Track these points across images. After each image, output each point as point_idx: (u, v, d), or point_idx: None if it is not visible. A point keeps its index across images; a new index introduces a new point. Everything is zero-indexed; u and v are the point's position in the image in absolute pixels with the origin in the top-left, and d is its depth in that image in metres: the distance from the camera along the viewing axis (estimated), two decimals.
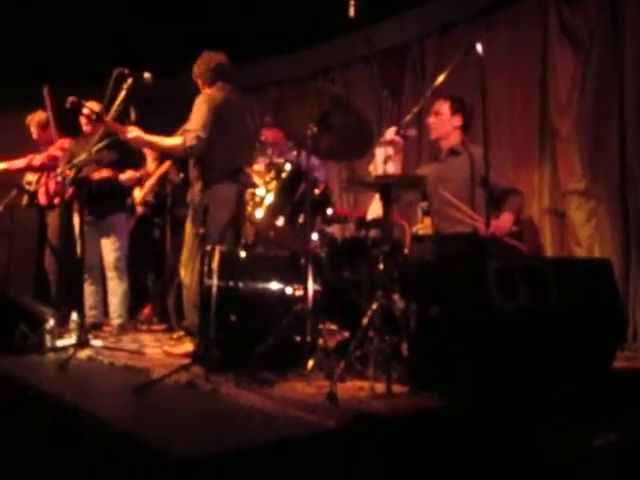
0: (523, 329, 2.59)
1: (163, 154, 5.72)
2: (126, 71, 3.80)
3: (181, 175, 4.25)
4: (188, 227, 4.04)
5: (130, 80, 3.82)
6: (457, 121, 4.17)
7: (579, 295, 2.79)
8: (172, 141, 3.99)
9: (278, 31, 6.00)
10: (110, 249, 5.08)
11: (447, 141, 4.19)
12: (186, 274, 3.98)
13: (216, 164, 3.89)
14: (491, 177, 3.61)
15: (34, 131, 5.61)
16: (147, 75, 3.84)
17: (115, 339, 4.59)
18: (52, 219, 5.41)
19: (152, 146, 4.22)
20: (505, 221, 3.93)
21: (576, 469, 2.52)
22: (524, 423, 2.49)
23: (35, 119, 5.59)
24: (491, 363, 2.55)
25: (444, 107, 4.17)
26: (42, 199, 5.45)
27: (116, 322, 5.01)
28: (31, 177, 5.58)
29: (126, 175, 5.02)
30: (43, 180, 5.48)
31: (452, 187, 4.05)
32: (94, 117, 4.15)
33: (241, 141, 4.09)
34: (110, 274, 5.09)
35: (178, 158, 4.39)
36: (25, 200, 5.58)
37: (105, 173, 4.90)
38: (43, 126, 5.57)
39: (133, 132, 3.96)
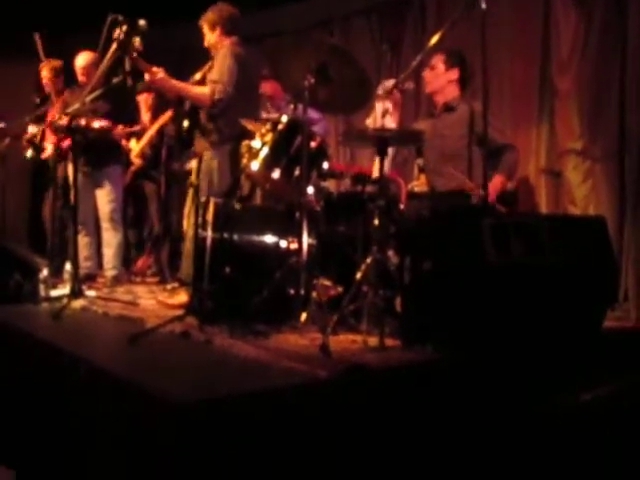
0: (516, 284, 2.61)
1: (158, 106, 5.65)
2: (120, 18, 3.72)
3: (185, 124, 4.17)
4: (193, 179, 4.01)
5: (124, 27, 3.75)
6: (453, 75, 4.09)
7: (573, 252, 2.80)
8: (199, 90, 4.04)
9: None
10: (105, 200, 5.05)
11: (442, 95, 4.12)
12: (188, 225, 3.97)
13: (234, 121, 3.86)
14: (488, 132, 3.58)
15: (46, 76, 5.45)
16: (142, 22, 3.77)
17: (109, 290, 4.60)
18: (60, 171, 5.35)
19: (177, 92, 4.12)
20: (495, 185, 3.90)
21: (565, 422, 2.56)
22: (515, 377, 2.52)
23: (51, 65, 5.45)
24: (484, 318, 2.57)
25: (439, 60, 4.09)
26: (48, 151, 5.37)
27: (110, 273, 5.01)
28: (33, 129, 5.48)
29: (122, 129, 4.97)
30: (48, 132, 5.39)
31: (447, 143, 4.02)
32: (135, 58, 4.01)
33: (256, 100, 4.10)
34: (105, 225, 5.06)
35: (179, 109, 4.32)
36: (30, 153, 5.51)
37: (105, 123, 4.83)
38: (57, 73, 5.46)
39: (159, 73, 3.97)
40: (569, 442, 2.56)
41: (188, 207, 4.02)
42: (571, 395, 2.63)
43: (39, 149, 5.42)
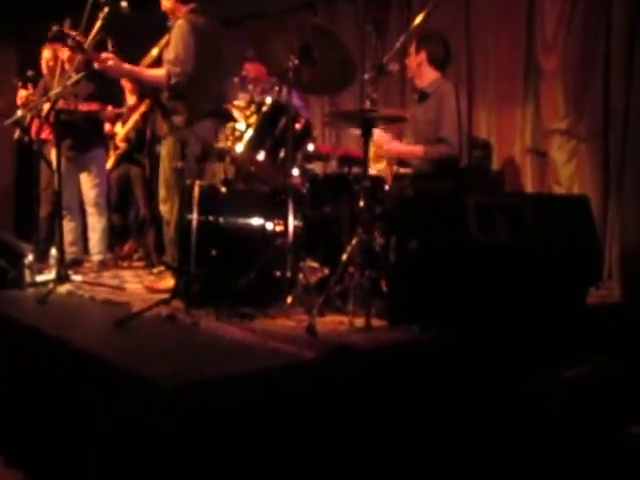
0: (501, 263, 2.63)
1: (143, 88, 5.58)
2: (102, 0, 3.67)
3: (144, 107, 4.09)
4: (165, 163, 3.95)
5: (106, 9, 3.69)
6: (420, 58, 4.09)
7: (557, 231, 2.82)
8: (154, 72, 3.87)
9: None
10: (90, 185, 5.01)
11: (420, 80, 4.15)
12: (166, 210, 3.94)
13: (199, 99, 3.79)
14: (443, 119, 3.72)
15: (49, 58, 5.30)
16: (124, 4, 3.70)
17: (96, 275, 4.58)
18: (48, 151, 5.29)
19: (131, 76, 4.05)
20: (393, 146, 4.00)
21: (548, 399, 2.59)
22: (500, 354, 2.55)
23: (56, 49, 5.37)
24: (469, 296, 2.58)
25: (412, 46, 4.12)
26: (36, 134, 5.30)
27: (96, 258, 4.99)
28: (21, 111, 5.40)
29: (111, 110, 4.92)
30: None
31: (422, 129, 4.06)
32: (76, 47, 3.96)
33: (223, 75, 4.00)
34: (90, 210, 5.03)
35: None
36: (17, 134, 5.45)
37: (94, 107, 4.78)
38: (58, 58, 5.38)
39: (109, 60, 3.80)
40: (553, 418, 2.59)
41: (163, 192, 3.91)
42: (555, 372, 2.66)
43: (27, 130, 5.35)
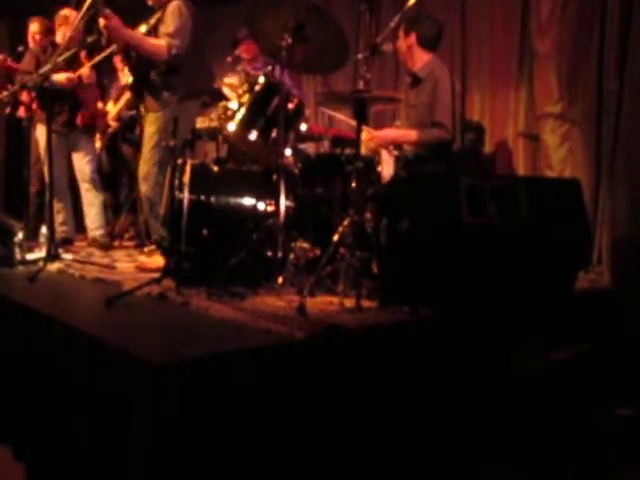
0: (492, 245, 2.63)
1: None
2: None
3: (130, 80, 4.02)
4: (151, 140, 3.92)
5: None
6: (410, 40, 4.04)
7: (548, 214, 2.82)
8: (155, 42, 3.84)
9: None
10: (85, 161, 5.00)
11: (412, 63, 4.09)
12: (147, 188, 3.92)
13: (194, 75, 3.77)
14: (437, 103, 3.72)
15: (36, 31, 5.25)
16: None
17: (99, 250, 4.62)
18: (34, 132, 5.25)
19: (132, 41, 3.91)
20: (381, 132, 4.00)
21: (535, 380, 2.62)
22: (489, 336, 2.56)
23: (42, 22, 5.25)
24: (459, 278, 2.59)
25: (401, 29, 4.05)
26: (25, 111, 5.25)
27: (97, 233, 5.00)
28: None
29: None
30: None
31: (415, 113, 4.03)
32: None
33: (206, 57, 3.99)
34: (86, 185, 5.02)
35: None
36: (7, 110, 5.40)
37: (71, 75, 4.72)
38: (47, 32, 5.28)
39: (114, 19, 3.74)
40: (540, 400, 2.62)
41: (144, 170, 3.89)
42: (542, 355, 2.68)
43: (15, 106, 5.30)
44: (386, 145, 3.92)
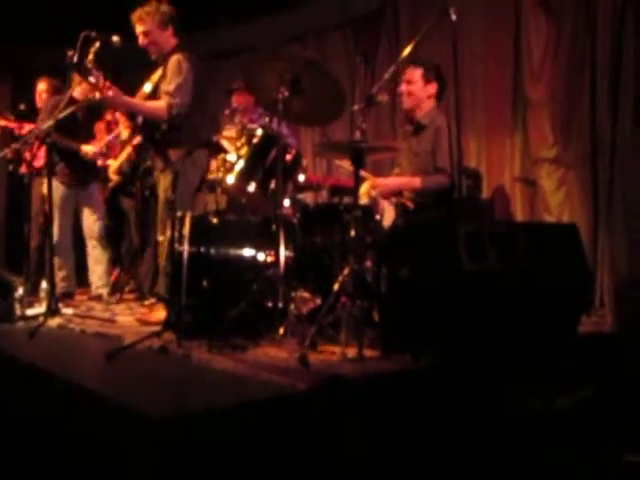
0: (492, 291, 2.63)
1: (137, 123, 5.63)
2: (93, 34, 3.69)
3: (137, 141, 4.13)
4: (162, 195, 3.97)
5: (97, 43, 3.72)
6: (431, 89, 4.10)
7: (547, 259, 2.83)
8: (154, 104, 3.88)
9: None
10: (93, 218, 5.09)
11: (420, 110, 4.14)
12: (163, 241, 3.94)
13: (197, 130, 3.82)
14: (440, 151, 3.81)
15: (43, 90, 5.36)
16: (115, 38, 3.70)
17: (104, 307, 4.59)
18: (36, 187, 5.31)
19: (131, 108, 4.00)
20: (385, 180, 4.08)
21: (541, 427, 2.58)
22: (492, 383, 2.54)
23: (50, 81, 5.37)
24: (460, 325, 2.58)
25: (416, 74, 4.08)
26: (26, 167, 5.30)
27: (103, 291, 5.03)
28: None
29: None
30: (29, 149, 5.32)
31: (418, 160, 4.08)
32: (96, 80, 3.84)
33: (209, 108, 4.04)
34: (94, 242, 5.09)
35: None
36: (11, 167, 5.47)
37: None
38: (55, 91, 5.38)
39: (110, 91, 3.78)
40: (544, 446, 2.58)
41: (161, 223, 3.96)
42: (547, 400, 2.65)
43: (19, 163, 5.36)
44: (390, 193, 3.96)
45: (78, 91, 4.90)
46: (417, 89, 4.10)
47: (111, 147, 5.46)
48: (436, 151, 3.96)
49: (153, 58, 4.07)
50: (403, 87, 4.16)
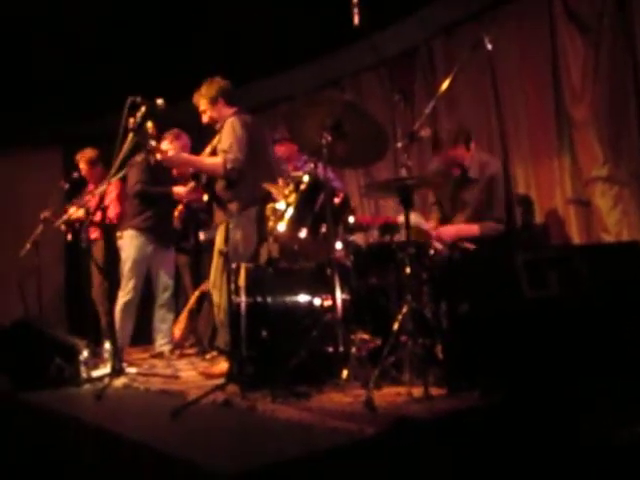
0: (556, 318, 2.55)
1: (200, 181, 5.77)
2: (139, 99, 3.82)
3: (205, 197, 4.27)
4: (221, 246, 4.04)
5: (143, 108, 3.84)
6: (471, 148, 4.28)
7: (610, 279, 2.74)
8: (211, 160, 4.12)
9: (283, 46, 6.01)
10: (167, 278, 5.27)
11: (470, 166, 4.28)
12: (216, 294, 3.99)
13: (252, 186, 3.92)
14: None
15: (83, 168, 5.66)
16: (160, 102, 3.83)
17: (165, 364, 4.66)
18: (97, 251, 5.48)
19: (190, 165, 4.29)
20: (446, 229, 4.15)
21: (621, 456, 2.46)
22: (567, 413, 2.44)
23: (86, 156, 5.65)
24: (527, 356, 2.51)
25: (458, 152, 4.24)
26: (91, 233, 5.47)
27: (165, 348, 5.13)
28: (74, 211, 5.56)
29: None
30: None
31: (471, 209, 4.19)
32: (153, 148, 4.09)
33: (269, 162, 4.16)
34: (163, 302, 5.25)
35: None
36: (70, 237, 5.65)
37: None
38: (93, 163, 5.64)
39: (169, 152, 4.10)
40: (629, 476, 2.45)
41: (214, 276, 4.03)
42: (629, 427, 2.53)
43: (77, 233, 5.52)
44: (452, 241, 4.02)
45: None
46: (463, 159, 4.26)
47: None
48: (491, 201, 4.08)
49: (205, 124, 4.34)
50: (452, 167, 4.30)
